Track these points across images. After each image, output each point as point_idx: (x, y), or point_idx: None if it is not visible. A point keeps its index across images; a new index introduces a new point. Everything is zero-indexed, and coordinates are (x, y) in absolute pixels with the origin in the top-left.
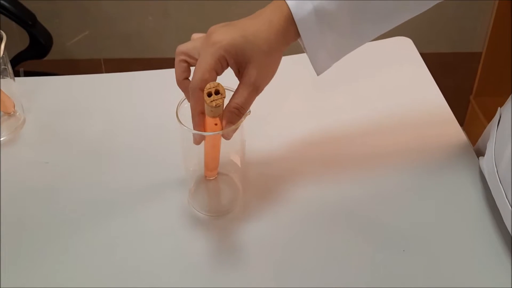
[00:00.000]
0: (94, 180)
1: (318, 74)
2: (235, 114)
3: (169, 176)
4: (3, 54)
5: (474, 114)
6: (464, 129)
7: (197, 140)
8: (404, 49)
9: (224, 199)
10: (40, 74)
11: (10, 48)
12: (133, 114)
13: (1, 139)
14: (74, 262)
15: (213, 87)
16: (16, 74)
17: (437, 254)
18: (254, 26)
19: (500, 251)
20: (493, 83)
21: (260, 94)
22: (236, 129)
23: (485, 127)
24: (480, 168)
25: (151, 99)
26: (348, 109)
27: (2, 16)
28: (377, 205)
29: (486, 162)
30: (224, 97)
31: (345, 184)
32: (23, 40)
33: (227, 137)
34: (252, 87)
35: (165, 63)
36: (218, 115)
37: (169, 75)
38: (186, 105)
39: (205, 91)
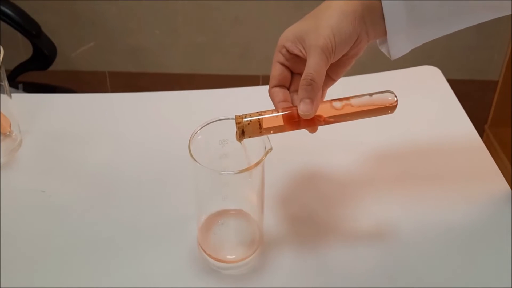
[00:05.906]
0: (94, 213)
1: (393, 58)
2: (305, 85)
3: (177, 214)
4: None
5: (489, 144)
6: None
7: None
8: (432, 78)
9: (239, 244)
10: (41, 86)
11: (13, 58)
12: (140, 140)
13: None
14: None
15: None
16: (15, 86)
17: None
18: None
19: None
20: (509, 113)
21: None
22: (313, 101)
23: (500, 158)
24: None
25: (160, 123)
26: (373, 139)
27: (7, 26)
28: (408, 239)
29: None
30: (240, 120)
31: (374, 219)
32: (27, 50)
33: (307, 117)
34: (314, 48)
35: (172, 78)
36: (259, 130)
37: (179, 97)
38: (200, 137)
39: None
